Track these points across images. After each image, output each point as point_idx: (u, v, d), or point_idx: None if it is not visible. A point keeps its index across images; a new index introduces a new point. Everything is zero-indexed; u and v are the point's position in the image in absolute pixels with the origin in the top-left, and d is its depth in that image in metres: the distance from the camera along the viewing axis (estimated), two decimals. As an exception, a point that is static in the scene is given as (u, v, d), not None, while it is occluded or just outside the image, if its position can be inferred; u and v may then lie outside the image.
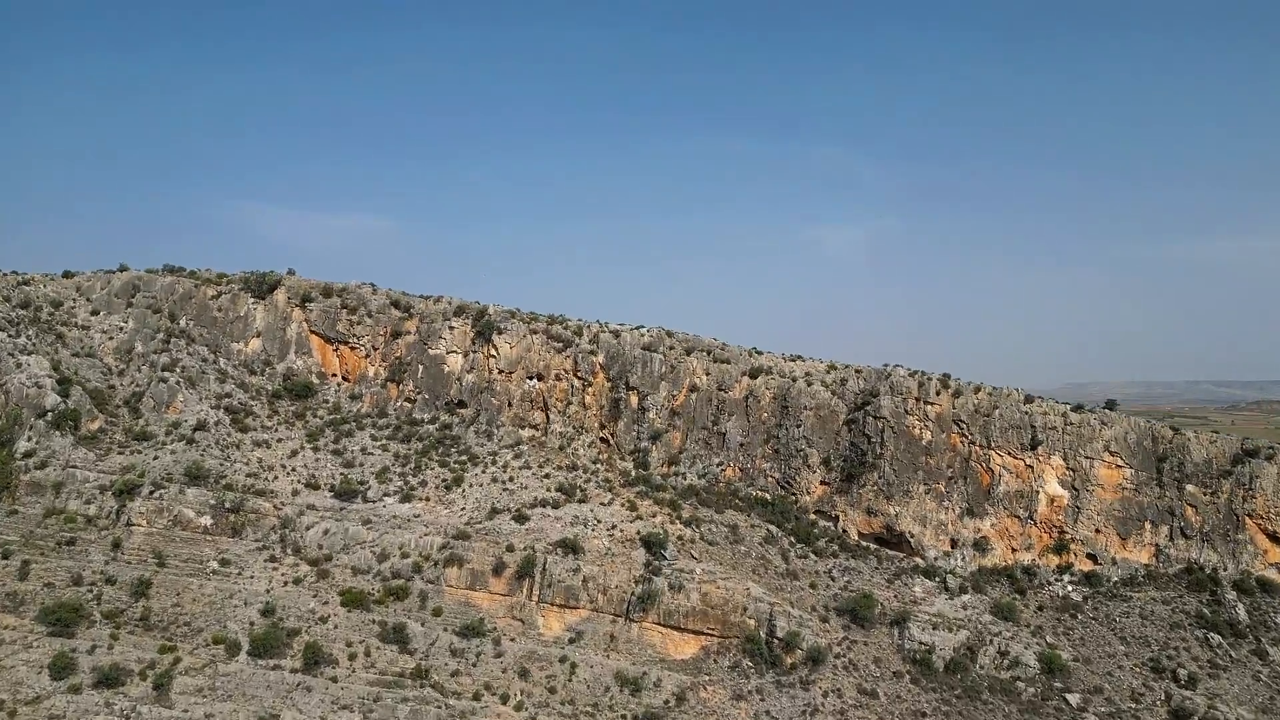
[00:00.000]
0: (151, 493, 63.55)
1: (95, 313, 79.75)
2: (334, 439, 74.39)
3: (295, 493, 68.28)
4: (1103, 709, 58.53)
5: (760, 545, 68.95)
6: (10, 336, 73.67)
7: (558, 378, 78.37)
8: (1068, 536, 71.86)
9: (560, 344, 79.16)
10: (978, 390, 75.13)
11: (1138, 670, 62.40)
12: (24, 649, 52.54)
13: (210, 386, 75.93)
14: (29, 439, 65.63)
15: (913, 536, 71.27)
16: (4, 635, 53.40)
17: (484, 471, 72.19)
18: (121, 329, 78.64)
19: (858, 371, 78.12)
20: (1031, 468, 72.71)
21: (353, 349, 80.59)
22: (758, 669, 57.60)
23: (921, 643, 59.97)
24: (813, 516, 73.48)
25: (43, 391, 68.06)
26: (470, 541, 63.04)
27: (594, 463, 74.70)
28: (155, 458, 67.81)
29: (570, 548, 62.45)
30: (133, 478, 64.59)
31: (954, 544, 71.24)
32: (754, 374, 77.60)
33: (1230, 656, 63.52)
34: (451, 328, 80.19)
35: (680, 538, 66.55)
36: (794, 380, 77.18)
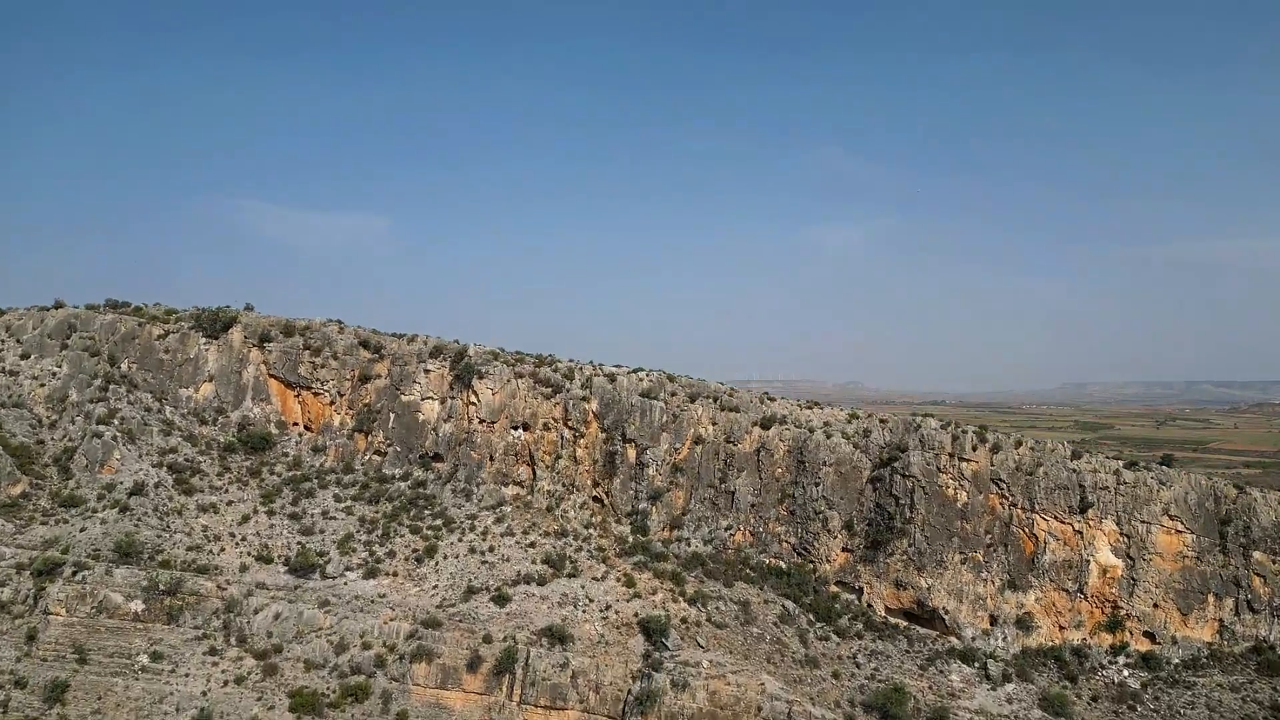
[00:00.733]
0: (74, 573, 54.90)
1: (25, 356, 71.08)
2: (292, 499, 65.83)
3: (244, 568, 59.68)
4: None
5: (775, 625, 60.48)
6: (-75, 385, 65.10)
7: (546, 427, 69.89)
8: (1122, 612, 63.49)
9: (549, 389, 70.67)
10: (1019, 445, 66.73)
11: (1216, 783, 54.17)
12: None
13: (153, 440, 67.28)
14: (-66, 510, 57.07)
15: (947, 613, 62.85)
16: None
17: (461, 539, 63.63)
18: (54, 374, 69.98)
19: (882, 422, 69.62)
20: (1081, 534, 64.34)
21: (316, 395, 72.05)
22: (777, 791, 49.18)
23: (966, 753, 51.58)
24: (833, 588, 65.03)
25: (-46, 452, 59.52)
26: (442, 631, 54.48)
27: (586, 527, 66.20)
28: (83, 529, 59.18)
29: (557, 637, 54.03)
30: (55, 554, 55.96)
31: (994, 621, 62.85)
32: (766, 424, 69.14)
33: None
34: (427, 371, 71.65)
35: (684, 620, 58.08)
36: (811, 431, 68.72)
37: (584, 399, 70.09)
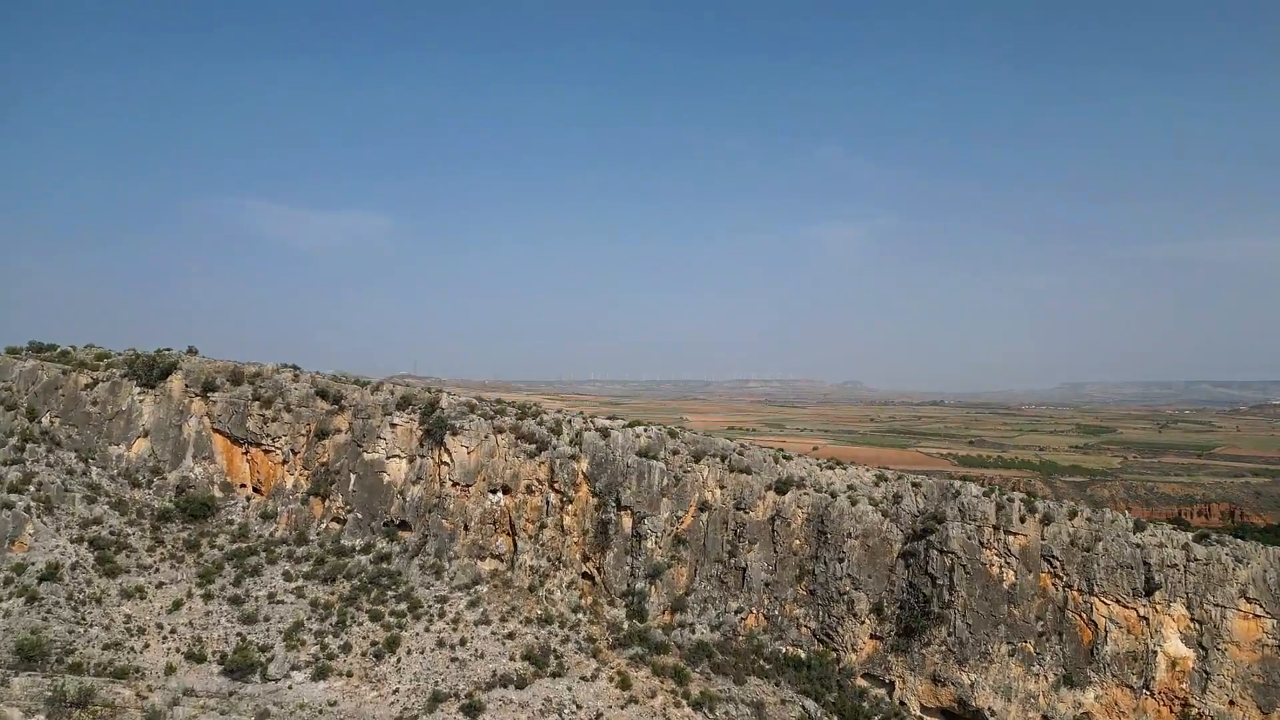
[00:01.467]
0: (-38, 685, 45.97)
1: (-69, 409, 62.03)
2: (234, 578, 56.85)
3: (171, 669, 50.70)
4: None
5: (795, 733, 51.73)
6: None
7: (529, 490, 61.02)
8: (1194, 711, 54.85)
9: (533, 445, 61.78)
10: (1073, 515, 57.98)
11: None
12: None
13: (75, 509, 58.26)
14: None
15: (993, 714, 54.17)
16: None
17: (428, 629, 54.71)
18: (-38, 431, 60.91)
19: (915, 485, 60.81)
20: (1146, 620, 55.68)
21: (267, 452, 63.08)
22: None
23: None
24: (861, 682, 56.29)
25: None
26: (400, 756, 45.71)
27: (574, 610, 57.33)
28: (-21, 625, 50.22)
29: (538, 762, 45.28)
30: (-59, 660, 47.08)
31: (1047, 723, 54.23)
32: (782, 488, 60.31)
33: None
34: (393, 425, 62.71)
35: (689, 732, 49.32)
36: (833, 496, 59.91)
37: (573, 457, 61.21)
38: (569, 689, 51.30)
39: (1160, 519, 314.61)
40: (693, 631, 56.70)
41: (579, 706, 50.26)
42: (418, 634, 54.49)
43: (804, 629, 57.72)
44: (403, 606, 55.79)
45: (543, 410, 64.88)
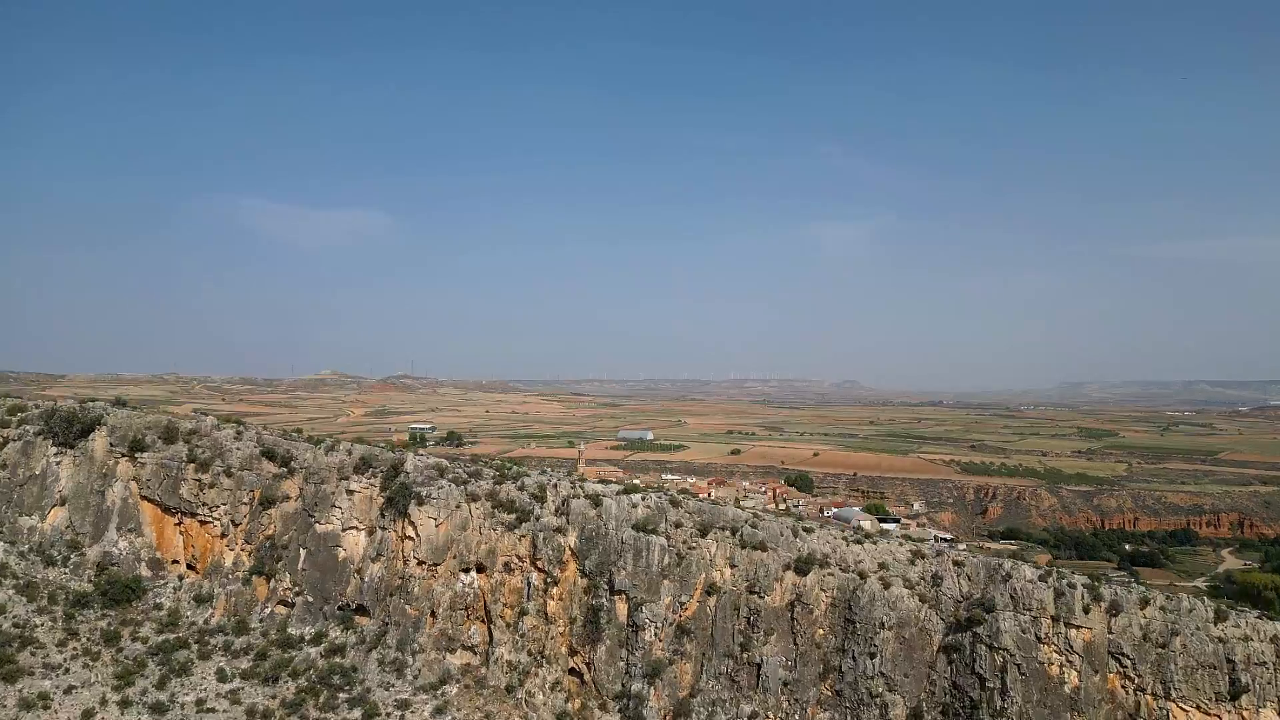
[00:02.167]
0: None
1: None
2: (159, 679, 48.17)
3: (72, 804, 42.21)
4: None
5: None
6: None
7: (507, 569, 52.47)
8: (1290, 838, 46.54)
9: (512, 515, 53.20)
10: (1145, 604, 49.52)
11: None
12: None
13: (-29, 597, 49.58)
14: None
15: (1055, 845, 45.77)
16: None
17: (386, 745, 46.20)
18: None
19: (958, 564, 52.29)
20: (1234, 730, 47.30)
21: (204, 524, 54.42)
22: None
23: None
24: (896, 803, 47.86)
25: None
26: None
27: (560, 717, 48.77)
28: None
29: None
30: None
31: None
32: (802, 567, 51.76)
33: None
34: (350, 491, 54.07)
35: None
36: (863, 577, 51.37)
37: (559, 530, 52.66)
38: (552, 824, 42.92)
39: (1169, 528, 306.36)
40: (699, 742, 48.20)
41: None
42: (373, 752, 45.98)
43: (829, 737, 49.23)
44: (357, 715, 47.23)
45: (525, 472, 56.21)
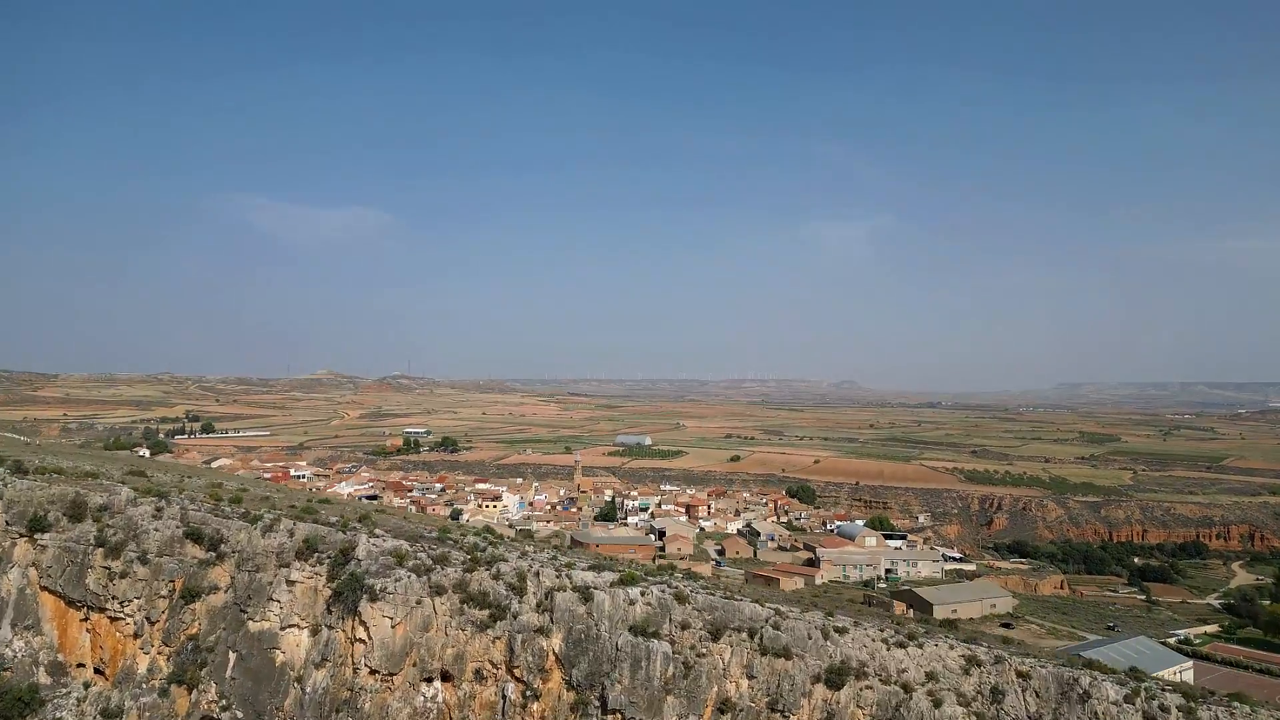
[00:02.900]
0: None
1: None
2: (49, 825, 39.31)
3: None
4: None
5: None
6: None
7: (479, 678, 43.50)
8: None
9: (485, 612, 44.23)
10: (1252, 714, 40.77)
11: None
12: None
13: None
14: None
15: None
16: None
17: None
18: None
19: (1022, 676, 43.39)
20: None
21: (114, 620, 45.32)
22: None
23: None
24: None
25: None
26: None
27: None
28: None
29: None
30: None
31: None
32: (835, 678, 42.88)
33: None
34: (291, 582, 45.03)
35: None
36: (907, 691, 42.52)
37: (541, 631, 43.69)
38: None
39: (1178, 540, 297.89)
40: None
41: None
42: None
43: None
44: None
45: (501, 556, 47.12)
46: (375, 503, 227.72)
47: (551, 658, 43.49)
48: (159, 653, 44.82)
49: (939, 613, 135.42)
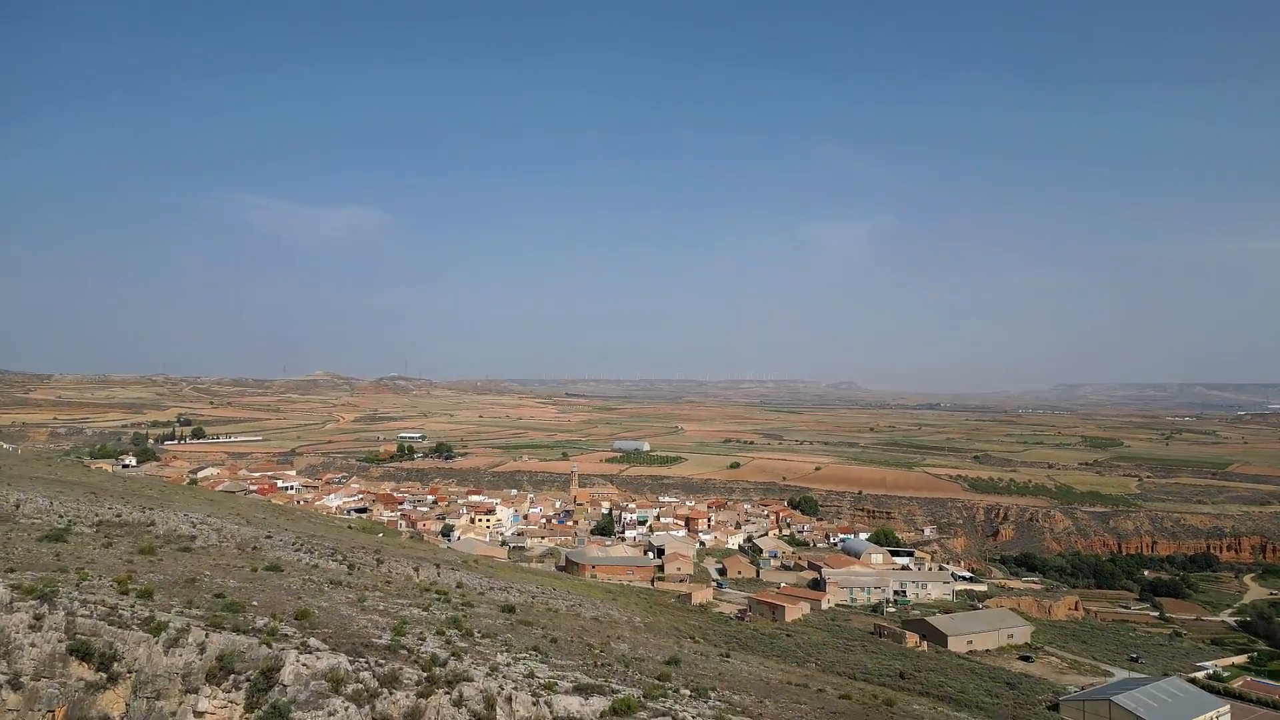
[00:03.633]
0: None
1: None
2: None
3: None
4: None
5: None
6: None
7: (432, 833, 34.97)
8: None
9: (441, 747, 35.68)
10: None
11: None
12: None
13: None
14: None
15: None
16: None
17: None
18: None
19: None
20: None
21: (-19, 758, 36.87)
22: None
23: None
24: None
25: None
26: None
27: None
28: None
29: None
30: None
31: None
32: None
33: None
34: (199, 714, 36.48)
35: None
36: None
37: (509, 774, 35.14)
38: None
39: (1188, 552, 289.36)
40: None
41: None
42: None
43: None
44: None
45: (465, 674, 38.52)
46: (364, 515, 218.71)
47: (521, 810, 34.95)
48: (36, 800, 36.26)
49: (954, 645, 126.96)
